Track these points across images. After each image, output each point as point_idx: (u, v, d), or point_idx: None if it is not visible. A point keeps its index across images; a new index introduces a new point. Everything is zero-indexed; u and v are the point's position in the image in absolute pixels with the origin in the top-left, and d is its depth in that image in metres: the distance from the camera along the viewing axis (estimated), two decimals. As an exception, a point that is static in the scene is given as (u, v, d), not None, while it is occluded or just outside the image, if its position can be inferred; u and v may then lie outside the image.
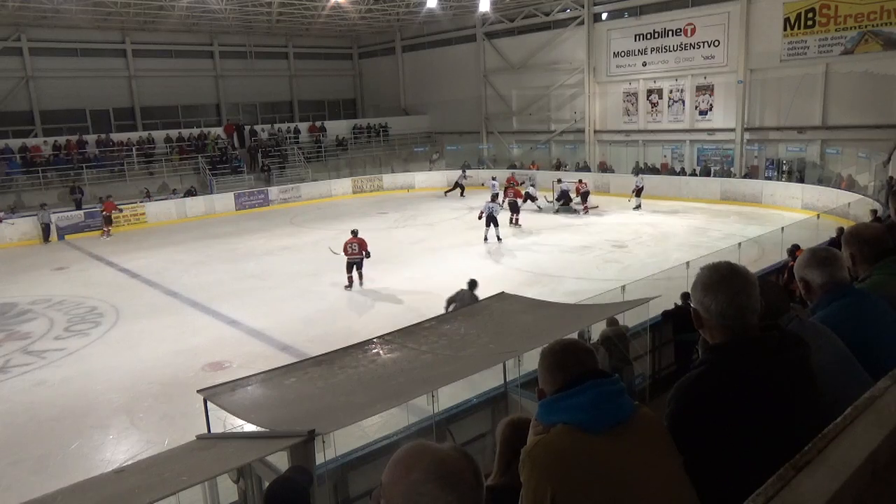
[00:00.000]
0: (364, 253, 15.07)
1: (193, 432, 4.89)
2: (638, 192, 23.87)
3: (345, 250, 15.16)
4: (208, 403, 4.93)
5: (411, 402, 5.33)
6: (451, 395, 6.29)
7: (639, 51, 27.62)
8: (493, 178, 25.51)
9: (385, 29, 36.07)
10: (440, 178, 32.16)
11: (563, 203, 23.62)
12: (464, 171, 28.75)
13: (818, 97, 23.00)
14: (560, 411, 1.75)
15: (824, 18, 22.43)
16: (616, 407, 1.75)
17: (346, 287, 14.94)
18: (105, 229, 23.42)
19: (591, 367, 1.83)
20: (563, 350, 1.87)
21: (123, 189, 27.03)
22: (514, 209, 21.31)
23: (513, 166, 31.87)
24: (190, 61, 33.33)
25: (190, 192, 27.50)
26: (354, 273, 15.10)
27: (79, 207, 24.75)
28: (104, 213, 23.58)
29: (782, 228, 14.70)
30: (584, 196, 23.77)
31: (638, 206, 23.42)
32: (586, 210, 23.38)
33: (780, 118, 24.15)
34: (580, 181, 24.53)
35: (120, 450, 8.37)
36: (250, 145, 31.61)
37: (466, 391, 6.60)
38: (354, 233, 15.60)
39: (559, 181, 24.25)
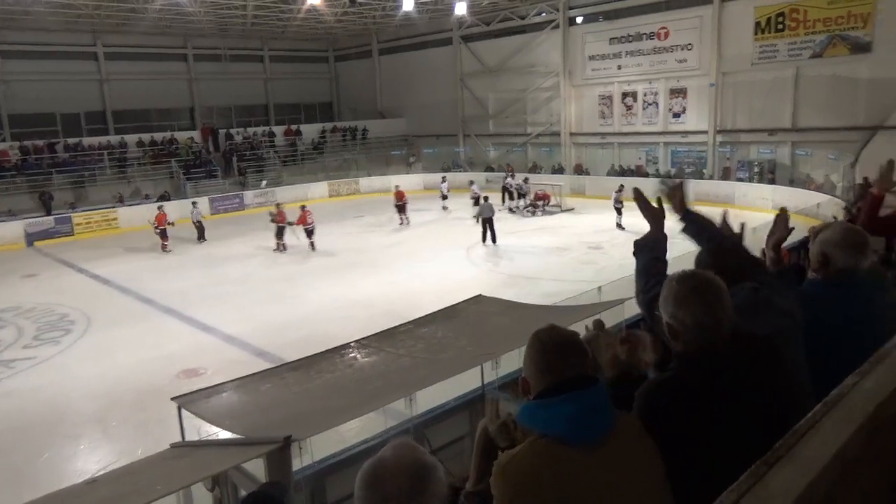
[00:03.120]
0: (288, 222, 19.48)
1: (168, 441, 4.82)
2: (476, 200, 23.68)
3: (303, 220, 19.52)
4: (183, 411, 4.87)
5: (389, 406, 5.31)
6: (429, 399, 6.28)
7: (613, 54, 27.89)
8: (444, 180, 26.51)
9: (361, 32, 36.00)
10: (418, 181, 32.11)
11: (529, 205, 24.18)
12: (511, 173, 27.28)
13: (788, 100, 23.43)
14: (541, 419, 1.69)
15: (794, 23, 22.87)
16: (599, 418, 1.69)
17: (312, 250, 19.26)
18: (164, 243, 20.45)
19: (581, 373, 1.74)
20: (556, 351, 1.76)
21: (95, 194, 26.61)
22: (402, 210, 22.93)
23: (489, 168, 32.02)
24: (163, 64, 32.92)
25: (163, 197, 27.14)
26: (308, 239, 19.47)
27: (48, 213, 24.29)
28: (157, 227, 20.54)
29: (754, 229, 14.86)
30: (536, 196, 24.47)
31: (444, 207, 24.45)
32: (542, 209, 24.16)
33: (752, 120, 24.56)
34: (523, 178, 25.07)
35: (92, 460, 8.21)
36: (225, 149, 31.31)
37: (444, 394, 6.60)
38: (302, 207, 20.04)
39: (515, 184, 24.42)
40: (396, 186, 24.17)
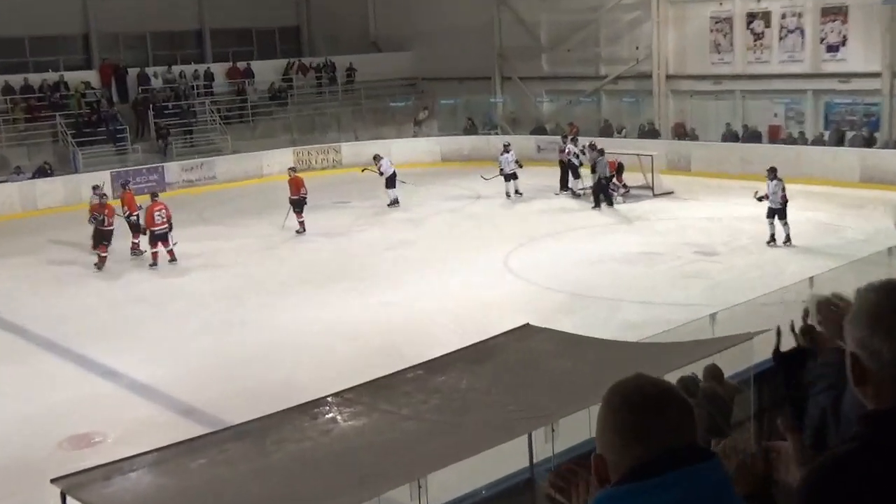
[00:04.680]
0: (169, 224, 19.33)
1: (46, 544, 4.85)
2: (507, 176, 24.51)
3: (150, 220, 19.13)
4: (68, 499, 4.89)
5: (387, 496, 5.31)
6: (449, 485, 6.26)
7: (734, -47, 27.79)
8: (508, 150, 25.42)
9: (344, -80, 36.20)
10: (431, 148, 32.12)
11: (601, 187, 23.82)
12: (571, 137, 26.66)
13: None
14: None
15: None
16: None
17: (151, 265, 19.14)
18: (135, 242, 19.92)
19: (688, 441, 1.74)
20: (647, 407, 1.75)
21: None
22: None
23: (540, 129, 31.89)
24: (43, -30, 33.21)
25: (43, 171, 27.39)
26: (160, 247, 19.17)
27: None
28: (130, 215, 20.09)
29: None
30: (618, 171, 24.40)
31: (516, 193, 25.11)
32: (625, 189, 24.23)
33: (952, 57, 24.28)
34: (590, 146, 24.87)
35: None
36: (136, 98, 31.55)
37: (472, 479, 6.58)
38: (153, 196, 20.24)
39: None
40: (291, 171, 23.39)
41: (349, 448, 5.29)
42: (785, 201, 18.36)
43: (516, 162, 24.97)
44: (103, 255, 19.11)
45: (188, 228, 22.72)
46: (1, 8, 31.33)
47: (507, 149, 25.36)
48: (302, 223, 21.88)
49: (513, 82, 33.94)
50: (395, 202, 24.44)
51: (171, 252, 19.24)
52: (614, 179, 24.04)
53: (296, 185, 22.17)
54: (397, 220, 22.73)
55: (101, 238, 19.27)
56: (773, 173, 18.70)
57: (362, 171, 25.69)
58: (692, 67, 29.43)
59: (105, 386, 12.55)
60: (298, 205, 21.97)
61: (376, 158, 24.83)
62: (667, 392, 1.80)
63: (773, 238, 18.42)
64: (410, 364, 6.92)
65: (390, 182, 24.49)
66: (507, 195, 24.90)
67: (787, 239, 18.30)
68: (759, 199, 18.59)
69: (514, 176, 24.91)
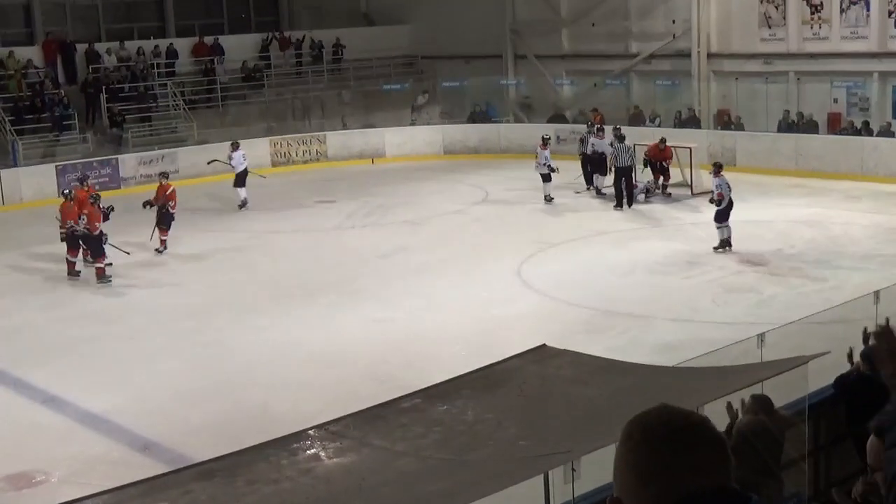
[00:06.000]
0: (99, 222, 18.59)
1: None
2: (546, 175, 24.22)
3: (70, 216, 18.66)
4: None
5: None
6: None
7: (787, -89, 27.82)
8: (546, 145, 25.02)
9: None
10: (432, 138, 32.16)
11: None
12: (597, 126, 26.49)
13: None
14: None
15: None
16: None
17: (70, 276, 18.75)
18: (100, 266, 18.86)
19: (719, 482, 1.74)
20: (672, 442, 1.75)
21: None
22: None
23: (559, 117, 31.83)
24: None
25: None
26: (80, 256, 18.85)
27: None
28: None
29: None
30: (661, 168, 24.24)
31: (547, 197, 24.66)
32: (664, 189, 24.17)
33: None
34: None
35: None
36: (86, 79, 31.54)
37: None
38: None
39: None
40: (163, 177, 22.42)
41: (335, 490, 5.29)
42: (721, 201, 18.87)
43: (549, 164, 24.36)
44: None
45: (146, 232, 22.76)
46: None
47: (546, 143, 24.82)
48: (164, 241, 20.85)
49: (528, 62, 33.98)
50: (244, 203, 24.52)
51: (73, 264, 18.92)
52: (649, 178, 24.03)
53: (162, 194, 21.17)
54: (392, 223, 22.72)
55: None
56: (718, 168, 19.49)
57: (209, 162, 25.96)
58: (738, 45, 29.46)
59: (48, 416, 12.50)
60: (165, 219, 20.99)
61: (234, 146, 25.01)
62: (696, 425, 1.80)
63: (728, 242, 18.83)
64: (407, 392, 6.93)
65: (240, 180, 24.52)
66: (546, 199, 24.42)
67: (728, 244, 18.71)
68: (713, 202, 19.13)
69: (548, 177, 24.36)
